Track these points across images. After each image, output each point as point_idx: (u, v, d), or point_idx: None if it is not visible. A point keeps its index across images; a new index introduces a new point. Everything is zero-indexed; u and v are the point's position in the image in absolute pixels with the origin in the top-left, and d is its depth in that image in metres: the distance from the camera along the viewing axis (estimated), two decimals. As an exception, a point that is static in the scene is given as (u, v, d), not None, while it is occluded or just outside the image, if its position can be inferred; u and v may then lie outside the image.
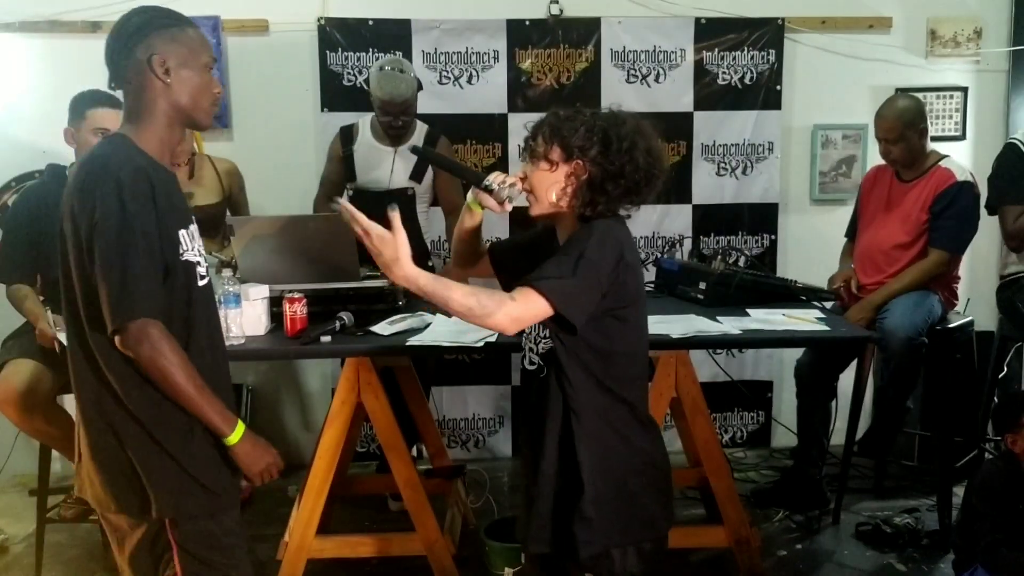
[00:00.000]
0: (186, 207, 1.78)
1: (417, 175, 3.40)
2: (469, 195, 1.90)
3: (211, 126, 1.83)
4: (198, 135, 3.52)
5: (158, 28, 1.68)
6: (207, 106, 1.74)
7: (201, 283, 1.76)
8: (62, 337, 2.71)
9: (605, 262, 1.68)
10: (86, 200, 1.59)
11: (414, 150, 2.05)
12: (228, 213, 3.47)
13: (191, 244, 1.73)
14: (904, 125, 3.23)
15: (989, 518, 2.52)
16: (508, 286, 1.94)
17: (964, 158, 3.79)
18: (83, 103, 2.90)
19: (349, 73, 3.85)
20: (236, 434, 1.72)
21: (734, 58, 3.94)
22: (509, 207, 1.83)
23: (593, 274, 1.67)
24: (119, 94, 3.09)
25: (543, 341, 1.79)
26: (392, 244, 1.68)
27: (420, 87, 3.37)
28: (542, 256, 1.82)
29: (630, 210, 1.82)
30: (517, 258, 1.95)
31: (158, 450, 1.68)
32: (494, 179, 1.83)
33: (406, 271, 1.67)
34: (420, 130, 3.43)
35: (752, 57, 3.94)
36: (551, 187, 1.76)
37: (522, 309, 1.65)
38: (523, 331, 1.84)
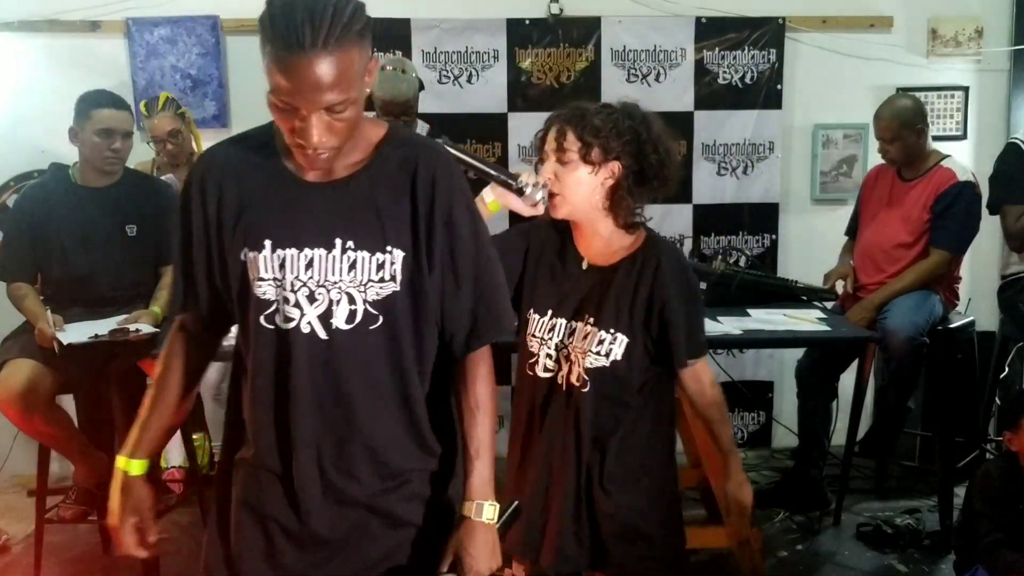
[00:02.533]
0: (284, 225, 1.40)
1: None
2: (487, 194, 1.81)
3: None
4: (196, 134, 3.50)
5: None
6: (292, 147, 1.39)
7: (271, 324, 1.42)
8: (61, 337, 2.71)
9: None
10: None
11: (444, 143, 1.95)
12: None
13: (267, 271, 1.41)
14: (900, 125, 3.23)
15: (989, 518, 2.51)
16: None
17: (965, 158, 3.78)
18: (88, 103, 2.90)
19: (349, 72, 3.84)
20: (118, 460, 1.49)
21: (735, 57, 3.93)
22: (541, 209, 1.76)
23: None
24: (122, 94, 3.13)
25: (591, 356, 1.72)
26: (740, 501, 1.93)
27: (422, 87, 3.36)
28: (548, 259, 1.79)
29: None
30: (514, 258, 1.85)
31: None
32: (528, 180, 1.75)
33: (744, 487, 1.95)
34: (421, 129, 3.43)
35: (753, 56, 3.93)
36: (591, 189, 1.70)
37: (712, 377, 1.84)
38: (534, 333, 1.79)
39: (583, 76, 3.92)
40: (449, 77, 3.88)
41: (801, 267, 3.82)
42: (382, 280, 1.37)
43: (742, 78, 3.95)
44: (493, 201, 1.82)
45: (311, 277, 1.36)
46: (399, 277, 1.38)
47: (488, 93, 3.90)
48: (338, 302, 1.36)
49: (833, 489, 3.41)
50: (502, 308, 1.48)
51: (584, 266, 1.76)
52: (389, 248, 1.37)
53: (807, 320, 2.76)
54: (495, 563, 1.42)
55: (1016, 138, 3.27)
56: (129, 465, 1.46)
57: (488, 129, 3.93)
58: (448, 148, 1.84)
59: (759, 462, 4.00)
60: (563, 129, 1.71)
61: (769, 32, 3.92)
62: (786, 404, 4.04)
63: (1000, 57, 4.03)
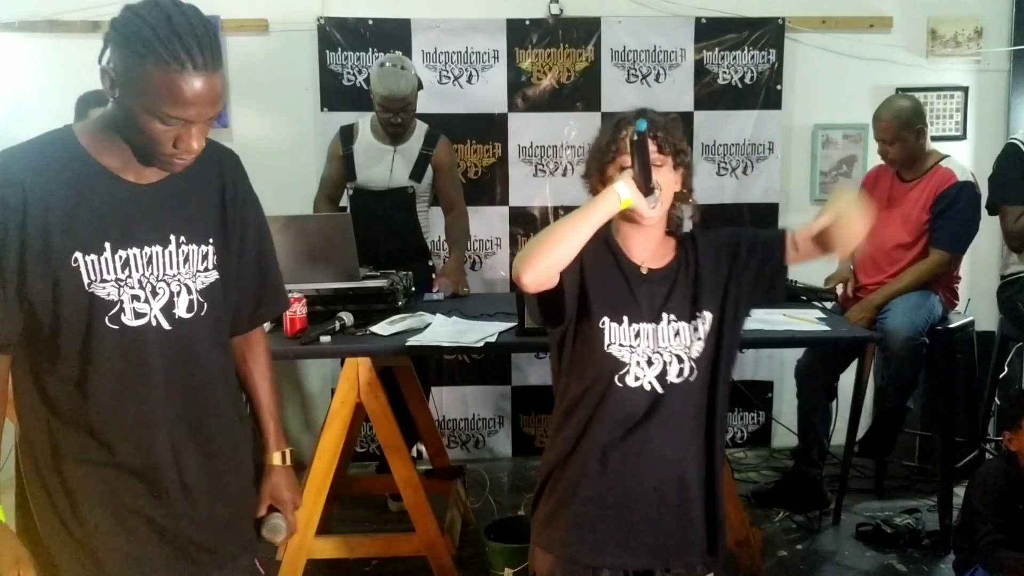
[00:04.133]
0: (121, 225, 1.42)
1: (417, 174, 3.40)
2: (624, 190, 1.65)
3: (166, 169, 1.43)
4: None
5: (120, 38, 1.33)
6: (149, 151, 1.39)
7: (116, 324, 1.42)
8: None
9: None
10: None
11: (639, 134, 1.70)
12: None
13: (108, 272, 1.41)
14: (900, 126, 3.23)
15: (988, 518, 2.52)
16: (550, 302, 1.73)
17: (965, 158, 3.79)
18: (88, 103, 2.92)
19: (349, 73, 3.85)
20: None
21: (734, 58, 3.94)
22: (657, 214, 1.72)
23: None
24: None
25: (697, 346, 1.73)
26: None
27: (420, 86, 3.37)
28: (590, 266, 1.73)
29: None
30: (576, 274, 1.74)
31: None
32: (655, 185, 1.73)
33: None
34: (420, 129, 3.43)
35: (752, 57, 3.93)
36: (670, 193, 1.75)
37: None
38: (619, 342, 1.73)
39: (583, 76, 3.92)
40: (449, 77, 3.88)
41: (800, 267, 3.79)
42: (207, 270, 1.52)
43: (742, 78, 3.95)
44: (627, 199, 1.67)
45: (152, 273, 1.45)
46: (217, 266, 1.53)
47: (488, 93, 3.90)
48: (178, 294, 1.48)
49: (833, 489, 3.42)
50: (279, 287, 1.72)
51: (644, 271, 1.77)
52: (210, 239, 1.52)
53: (807, 320, 2.76)
54: (300, 497, 1.75)
55: (1015, 138, 3.28)
56: None
57: (488, 129, 3.93)
58: (644, 139, 1.69)
59: (759, 462, 4.01)
60: (663, 134, 1.73)
61: (769, 32, 3.92)
62: (786, 404, 4.05)
63: (999, 57, 4.04)
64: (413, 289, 3.05)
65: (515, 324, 2.59)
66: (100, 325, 1.42)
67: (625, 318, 1.74)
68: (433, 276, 3.46)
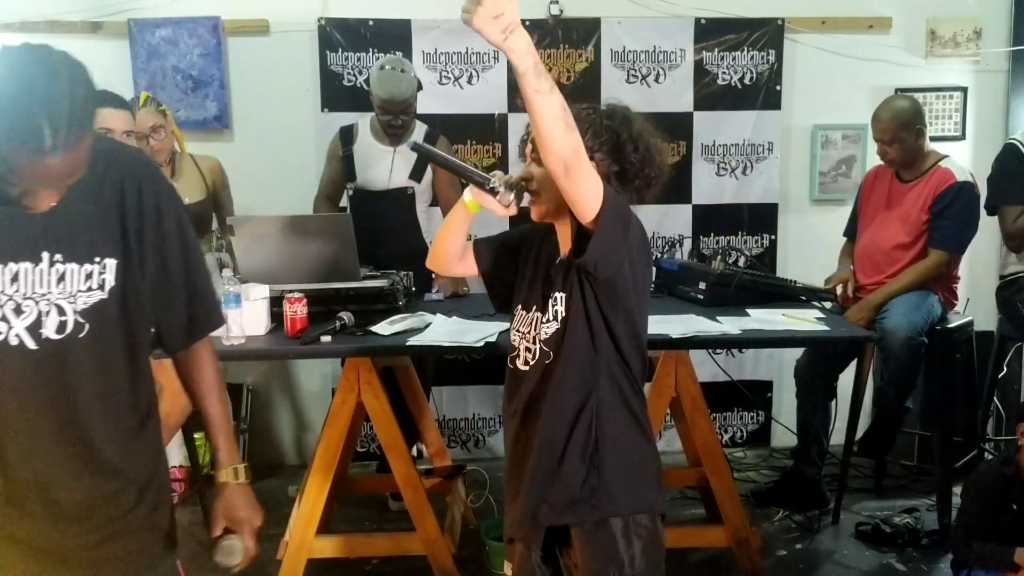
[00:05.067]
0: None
1: (417, 174, 3.41)
2: (466, 194, 1.82)
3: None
4: (178, 133, 3.47)
5: None
6: None
7: None
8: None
9: (629, 216, 1.66)
10: None
11: (414, 147, 1.93)
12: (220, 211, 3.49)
13: None
14: (899, 126, 3.24)
15: (971, 513, 2.54)
16: (495, 288, 1.94)
17: (964, 158, 3.79)
18: None
19: (349, 73, 3.86)
20: None
21: (734, 58, 3.94)
22: (514, 210, 1.76)
23: (625, 220, 1.63)
24: (124, 95, 3.14)
25: (544, 327, 1.72)
26: (515, 5, 1.51)
27: (420, 87, 3.37)
28: (536, 256, 1.80)
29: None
30: (505, 258, 1.90)
31: None
32: (499, 180, 1.74)
33: (528, 38, 1.52)
34: (420, 130, 3.44)
35: (752, 57, 3.94)
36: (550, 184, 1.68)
37: (578, 143, 1.53)
38: (518, 329, 1.79)
39: (583, 77, 3.92)
40: (449, 78, 3.89)
41: (800, 267, 3.83)
42: (90, 289, 1.44)
43: (741, 79, 3.96)
44: (471, 201, 1.81)
45: (17, 291, 1.39)
46: (108, 285, 1.45)
47: (488, 94, 3.91)
48: (47, 313, 1.41)
49: (832, 488, 3.42)
50: (213, 302, 1.65)
51: (557, 261, 1.76)
52: (97, 258, 1.44)
53: (806, 320, 2.77)
54: (260, 517, 1.66)
55: (1014, 139, 3.28)
56: None
57: (488, 130, 3.94)
58: (423, 147, 1.81)
59: (758, 461, 4.02)
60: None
61: (768, 33, 3.93)
62: (785, 404, 4.05)
63: (999, 58, 4.04)
64: (413, 289, 3.06)
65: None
66: None
67: (533, 305, 1.79)
68: (433, 276, 3.46)
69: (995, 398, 3.70)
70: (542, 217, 1.75)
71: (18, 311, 1.40)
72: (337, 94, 3.86)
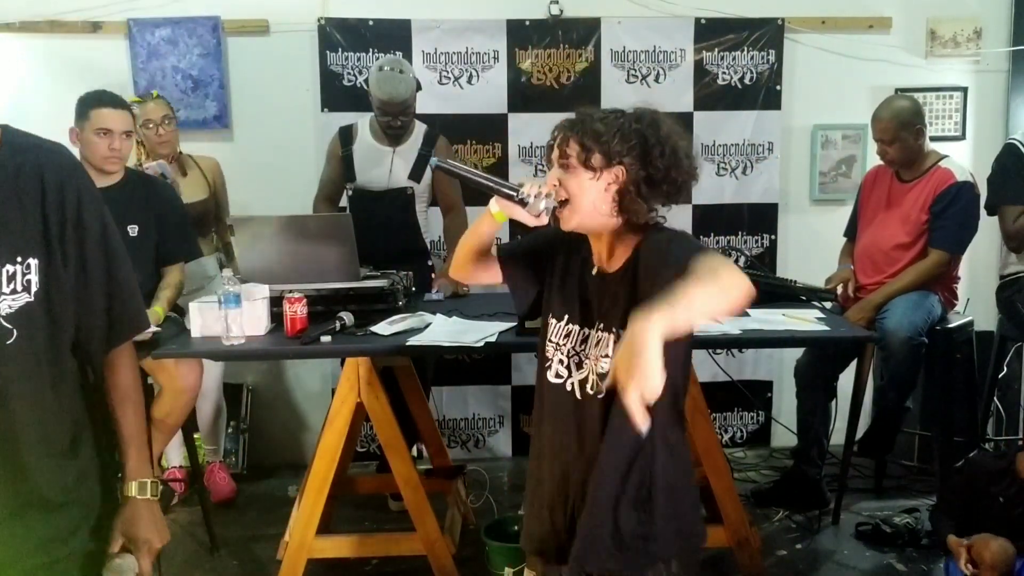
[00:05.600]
0: None
1: (416, 175, 3.41)
2: (492, 204, 1.76)
3: None
4: (177, 136, 3.52)
5: None
6: None
7: None
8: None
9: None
10: None
11: (437, 166, 1.87)
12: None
13: None
14: (899, 126, 3.24)
15: (950, 500, 2.58)
16: (520, 295, 1.89)
17: (964, 158, 3.79)
18: (88, 103, 2.92)
19: (349, 73, 3.86)
20: None
21: (734, 58, 3.94)
22: (545, 219, 1.70)
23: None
24: (123, 94, 3.15)
25: (603, 361, 1.66)
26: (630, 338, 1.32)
27: (419, 87, 3.37)
28: (566, 264, 1.77)
29: (664, 211, 1.74)
30: (531, 265, 1.85)
31: None
32: (529, 191, 1.69)
33: (663, 322, 1.31)
34: (419, 130, 3.44)
35: (752, 57, 3.94)
36: (596, 196, 1.64)
37: (737, 273, 1.46)
38: (551, 339, 1.76)
39: (583, 77, 3.92)
40: (449, 78, 3.88)
41: (800, 267, 3.83)
42: (14, 292, 1.33)
43: (741, 79, 3.96)
44: (499, 212, 1.77)
45: None
46: (33, 287, 1.34)
47: (488, 94, 3.90)
48: None
49: (832, 488, 3.42)
50: (136, 307, 1.53)
51: (595, 272, 1.74)
52: (19, 258, 1.33)
53: (806, 320, 2.77)
54: (165, 536, 1.52)
55: (1014, 139, 3.28)
56: None
57: (488, 130, 3.94)
58: (447, 164, 1.77)
59: (758, 461, 4.02)
60: (566, 136, 1.68)
61: (768, 33, 3.93)
62: (785, 404, 4.05)
63: (999, 58, 4.04)
64: (413, 289, 3.06)
65: (515, 324, 2.60)
66: None
67: (566, 316, 1.76)
68: (432, 276, 3.47)
69: (995, 398, 3.70)
70: (574, 228, 1.70)
71: None
72: (337, 94, 3.86)
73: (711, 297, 1.41)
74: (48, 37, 3.79)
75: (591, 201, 1.64)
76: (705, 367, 3.68)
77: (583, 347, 1.72)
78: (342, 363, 2.81)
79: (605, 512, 1.68)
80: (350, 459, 3.28)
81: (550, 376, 1.76)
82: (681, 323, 1.35)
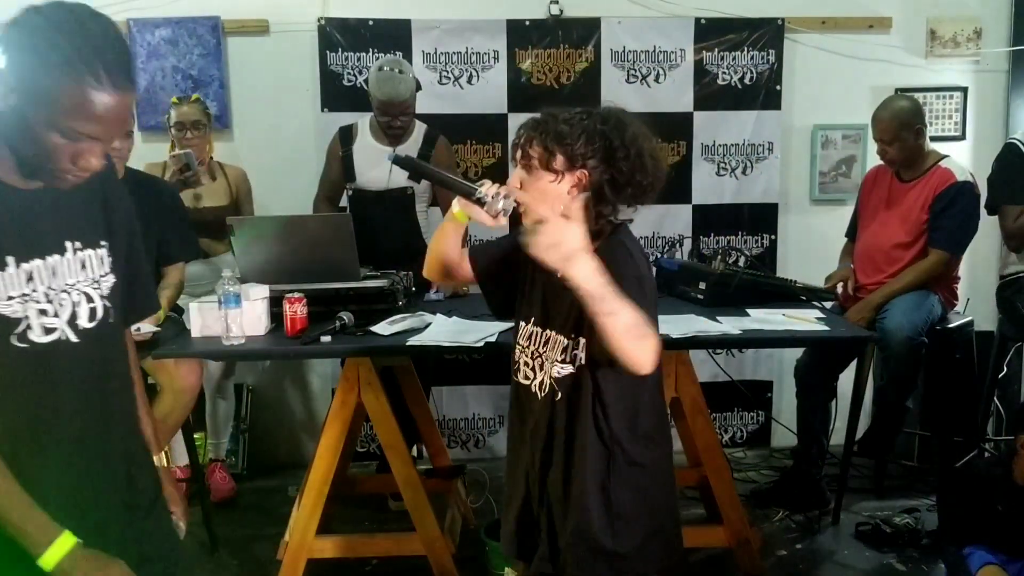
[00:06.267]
0: (20, 236, 1.33)
1: (415, 175, 3.40)
2: (455, 205, 1.77)
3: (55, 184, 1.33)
4: (212, 142, 3.62)
5: (24, 42, 1.23)
6: (42, 165, 1.29)
7: (24, 342, 1.32)
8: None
9: (651, 278, 1.66)
10: None
11: (394, 160, 1.87)
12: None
13: (14, 287, 1.31)
14: (899, 126, 3.24)
15: (958, 518, 2.56)
16: (494, 296, 1.91)
17: (964, 158, 3.79)
18: None
19: (349, 73, 3.86)
20: (58, 549, 1.29)
21: (734, 58, 3.94)
22: (503, 220, 1.70)
23: (653, 294, 1.64)
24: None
25: (558, 365, 1.68)
26: (577, 232, 1.46)
27: (419, 87, 3.37)
28: (534, 267, 1.77)
29: (630, 212, 1.74)
30: (502, 266, 1.86)
31: None
32: (487, 190, 1.69)
33: (593, 264, 1.45)
34: (419, 129, 3.44)
35: (752, 57, 3.94)
36: (555, 199, 1.63)
37: (657, 344, 1.50)
38: (518, 341, 1.78)
39: (583, 77, 3.92)
40: (449, 78, 3.88)
41: (800, 267, 3.83)
42: (105, 274, 1.44)
43: (741, 79, 3.96)
44: (459, 211, 1.77)
45: (56, 284, 1.36)
46: (113, 268, 1.46)
47: (488, 94, 3.90)
48: (78, 303, 1.38)
49: (832, 488, 3.42)
50: (152, 289, 1.69)
51: (559, 274, 1.75)
52: (102, 242, 1.44)
53: (806, 320, 2.77)
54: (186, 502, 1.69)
55: (1015, 138, 3.28)
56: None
57: (488, 130, 3.93)
58: (405, 159, 1.77)
59: (758, 461, 4.01)
60: (529, 136, 1.66)
61: (768, 33, 3.93)
62: (785, 404, 4.05)
63: (999, 58, 4.04)
64: (413, 289, 3.06)
65: (515, 324, 2.59)
66: (6, 345, 1.30)
67: (532, 318, 1.76)
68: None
69: (995, 398, 3.70)
70: (529, 228, 1.67)
71: (60, 305, 1.36)
72: (337, 94, 3.85)
73: (626, 325, 1.45)
74: (48, 37, 3.78)
75: (549, 204, 1.61)
76: (705, 367, 3.68)
77: (544, 348, 1.72)
78: (342, 363, 2.81)
79: (579, 523, 1.69)
80: (350, 459, 3.28)
81: (520, 378, 1.78)
82: (593, 291, 1.43)
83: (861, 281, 3.41)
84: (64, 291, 1.37)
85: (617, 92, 3.88)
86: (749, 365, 4.13)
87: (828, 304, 3.17)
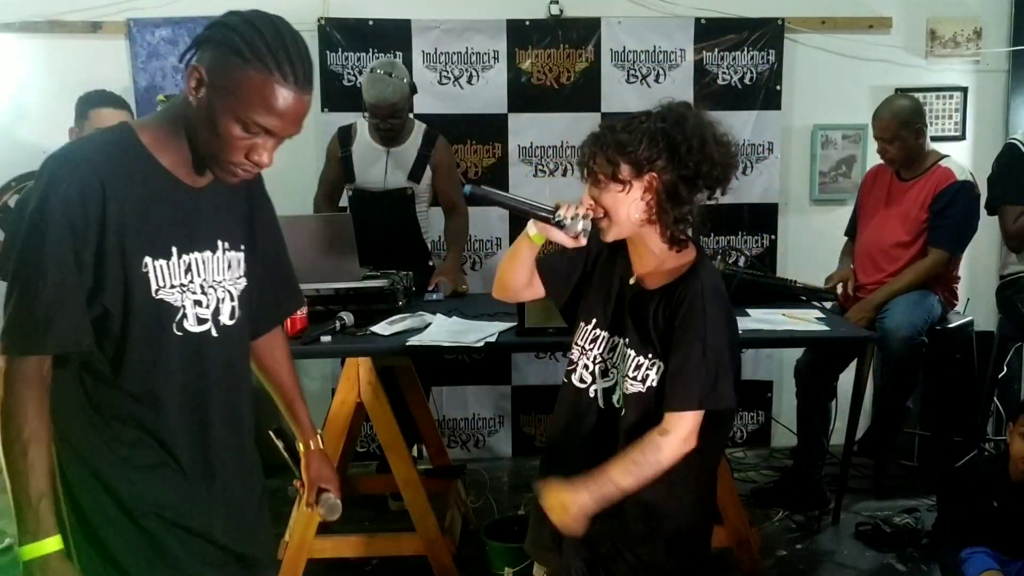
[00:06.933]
0: (185, 230, 1.41)
1: (415, 175, 3.40)
2: (530, 227, 1.75)
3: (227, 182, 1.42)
4: None
5: (224, 39, 1.31)
6: (217, 156, 1.37)
7: (181, 331, 1.41)
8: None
9: (726, 339, 1.67)
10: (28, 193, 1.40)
11: (470, 195, 1.80)
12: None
13: (175, 278, 1.39)
14: (899, 125, 3.24)
15: (957, 517, 2.56)
16: (564, 306, 1.88)
17: (964, 158, 3.79)
18: (86, 103, 2.92)
19: (349, 73, 3.85)
20: (40, 547, 1.30)
21: (734, 58, 3.94)
22: (584, 240, 1.68)
23: (724, 358, 1.64)
24: (123, 94, 3.15)
25: (629, 381, 1.67)
26: (566, 494, 1.61)
27: (414, 91, 3.36)
28: (604, 271, 1.78)
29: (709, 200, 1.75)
30: (572, 277, 1.85)
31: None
32: (565, 212, 1.66)
33: (585, 501, 1.59)
34: (418, 130, 3.43)
35: (752, 57, 3.94)
36: (631, 208, 1.63)
37: (682, 435, 1.60)
38: (577, 341, 1.77)
39: (583, 77, 3.92)
40: (449, 78, 3.88)
41: (800, 267, 3.83)
42: (240, 276, 1.51)
43: (741, 79, 3.96)
44: (537, 235, 1.75)
45: (205, 279, 1.43)
46: (246, 272, 1.52)
47: (488, 94, 3.90)
48: (223, 300, 1.46)
49: (832, 488, 3.42)
50: (296, 284, 1.72)
51: (632, 281, 1.73)
52: (242, 246, 1.51)
53: (806, 320, 2.77)
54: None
55: (1015, 139, 3.28)
56: (47, 545, 1.31)
57: (488, 130, 3.93)
58: (482, 191, 1.74)
59: (758, 461, 4.01)
60: (592, 151, 1.66)
61: (768, 33, 3.93)
62: (785, 404, 4.05)
63: (999, 58, 4.04)
64: (413, 289, 3.06)
65: (515, 324, 2.59)
66: (167, 333, 1.39)
67: (595, 320, 1.76)
68: (432, 276, 3.46)
69: (995, 398, 3.70)
70: (614, 239, 1.69)
71: (208, 299, 1.44)
72: (337, 94, 3.85)
73: (633, 482, 1.60)
74: (48, 37, 3.78)
75: (626, 213, 1.64)
76: (705, 367, 3.67)
77: (610, 355, 1.71)
78: (342, 363, 2.81)
79: (613, 535, 1.70)
80: (350, 459, 3.28)
81: (574, 380, 1.76)
82: (603, 497, 1.57)
83: (861, 280, 3.41)
84: (211, 287, 1.44)
85: (617, 92, 3.89)
86: (749, 365, 4.12)
87: (828, 304, 3.17)
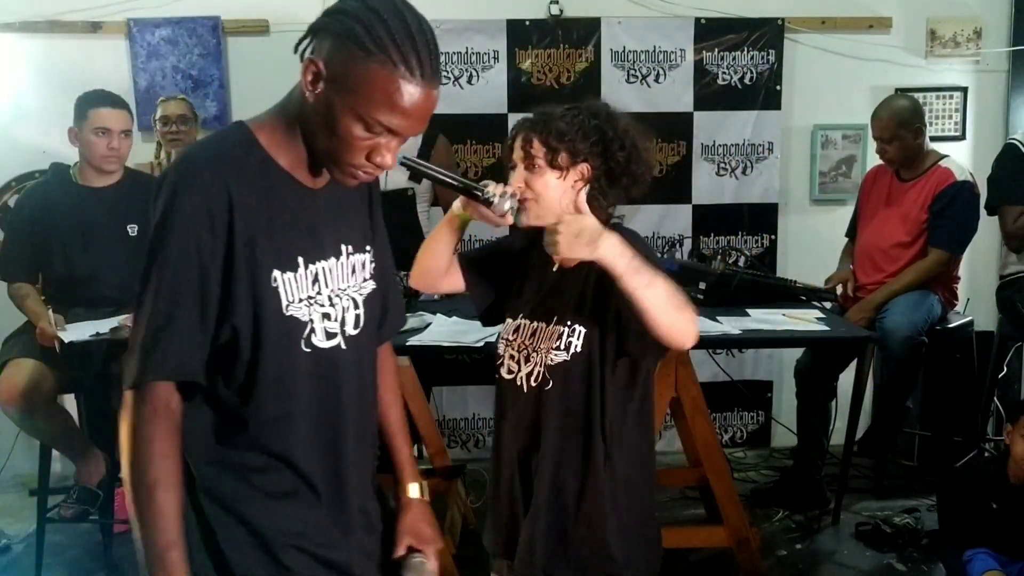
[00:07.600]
0: (309, 237, 1.29)
1: (416, 176, 3.40)
2: (456, 205, 1.75)
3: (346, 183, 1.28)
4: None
5: (343, 30, 1.18)
6: (337, 158, 1.23)
7: (310, 347, 1.28)
8: (63, 335, 2.72)
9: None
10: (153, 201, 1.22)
11: (402, 161, 1.77)
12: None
13: (302, 290, 1.26)
14: (898, 125, 3.25)
15: (958, 519, 2.56)
16: (483, 302, 1.87)
17: (964, 158, 3.79)
18: (86, 103, 2.92)
19: (349, 73, 3.85)
20: None
21: (734, 58, 3.94)
22: (510, 219, 1.67)
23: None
24: (123, 94, 3.15)
25: (552, 353, 1.66)
26: (593, 218, 1.54)
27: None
28: (526, 264, 1.78)
29: (628, 214, 1.77)
30: (494, 271, 1.84)
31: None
32: (495, 190, 1.65)
33: (619, 239, 1.48)
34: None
35: (752, 57, 3.94)
36: (560, 194, 1.64)
37: (696, 318, 1.52)
38: (503, 336, 1.77)
39: (583, 77, 3.92)
40: (449, 78, 3.88)
41: (800, 267, 3.83)
42: (366, 279, 1.38)
43: (741, 79, 3.96)
44: (463, 212, 1.75)
45: (331, 288, 1.30)
46: (374, 274, 1.40)
47: (488, 94, 3.90)
48: (347, 309, 1.32)
49: (832, 488, 3.42)
50: (402, 300, 1.57)
51: (555, 269, 1.73)
52: (367, 247, 1.39)
53: (806, 320, 2.77)
54: (440, 538, 1.53)
55: (1014, 139, 3.28)
56: None
57: (488, 130, 3.93)
58: (410, 162, 1.71)
59: (758, 461, 4.01)
60: (528, 136, 1.67)
61: (768, 33, 3.93)
62: (785, 404, 4.05)
63: (999, 58, 4.04)
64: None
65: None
66: (296, 351, 1.25)
67: (520, 313, 1.76)
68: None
69: (995, 398, 3.70)
70: (532, 223, 1.68)
71: (335, 309, 1.31)
72: (337, 94, 3.85)
73: (665, 295, 1.47)
74: (48, 37, 3.78)
75: (554, 199, 1.65)
76: (705, 367, 3.68)
77: (532, 340, 1.72)
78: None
79: (558, 518, 1.68)
80: (350, 459, 3.27)
81: (503, 372, 1.77)
82: (627, 266, 1.45)
83: (861, 280, 3.41)
84: (338, 295, 1.31)
85: (617, 92, 3.88)
86: (749, 365, 4.12)
87: (828, 304, 3.17)
